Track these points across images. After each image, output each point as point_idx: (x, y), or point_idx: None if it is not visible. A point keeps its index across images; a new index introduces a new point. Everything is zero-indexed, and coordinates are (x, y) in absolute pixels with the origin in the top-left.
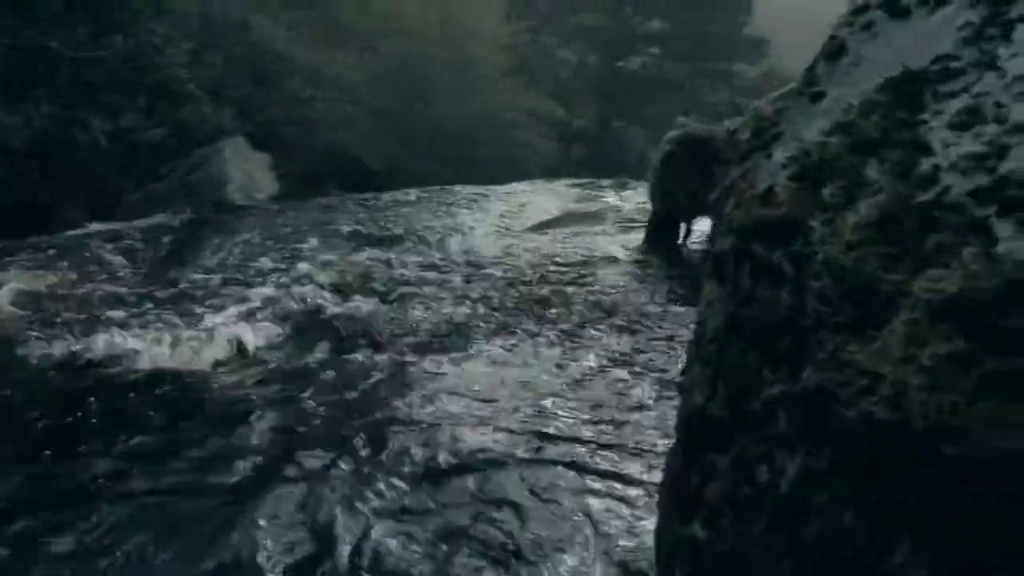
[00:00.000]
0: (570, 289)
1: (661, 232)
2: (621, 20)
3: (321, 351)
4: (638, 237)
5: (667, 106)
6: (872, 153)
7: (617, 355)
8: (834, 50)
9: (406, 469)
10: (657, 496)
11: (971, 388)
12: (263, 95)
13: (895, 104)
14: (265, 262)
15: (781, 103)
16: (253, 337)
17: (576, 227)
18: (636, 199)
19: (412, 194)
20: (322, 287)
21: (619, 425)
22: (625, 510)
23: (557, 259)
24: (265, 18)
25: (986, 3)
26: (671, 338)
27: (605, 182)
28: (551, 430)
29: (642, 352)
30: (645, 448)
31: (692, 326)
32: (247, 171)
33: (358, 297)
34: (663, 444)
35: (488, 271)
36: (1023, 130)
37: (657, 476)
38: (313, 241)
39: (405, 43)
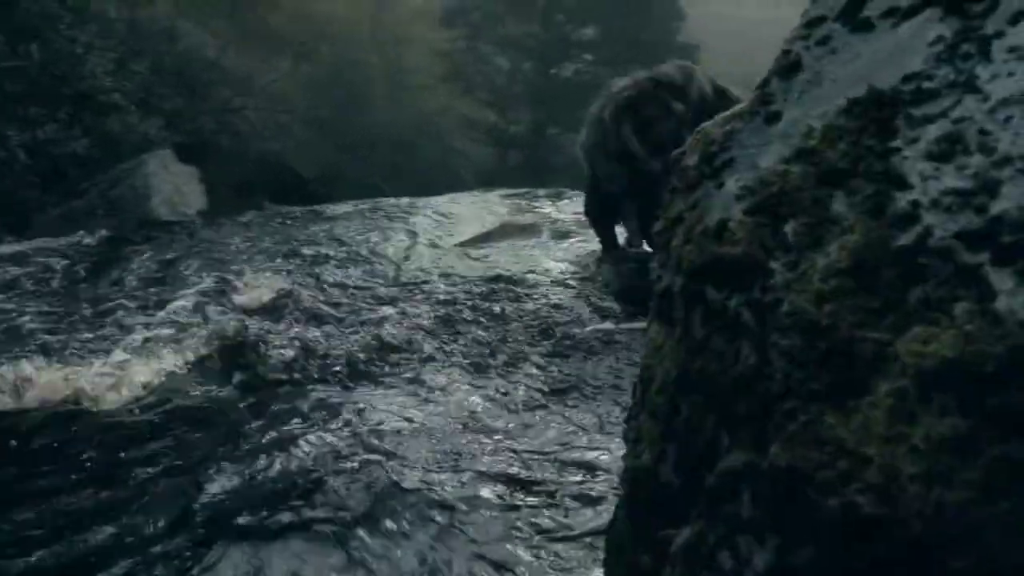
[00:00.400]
0: (508, 309)
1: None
2: (554, 27)
3: (241, 382)
4: (578, 249)
5: None
6: (839, 185)
7: (559, 383)
8: (788, 66)
9: (335, 515)
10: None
11: (978, 481)
12: (192, 104)
13: (863, 129)
14: (185, 283)
15: (731, 125)
16: (165, 368)
17: (512, 240)
18: (572, 209)
19: (344, 207)
20: (245, 310)
21: (564, 467)
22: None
23: (493, 276)
24: (194, 25)
25: (957, 16)
26: (616, 364)
27: (541, 191)
28: (490, 470)
29: (586, 382)
30: (591, 495)
31: (639, 361)
32: (174, 184)
33: (284, 321)
34: (608, 490)
35: (421, 290)
36: (1014, 162)
37: (604, 522)
38: (239, 259)
39: (338, 50)
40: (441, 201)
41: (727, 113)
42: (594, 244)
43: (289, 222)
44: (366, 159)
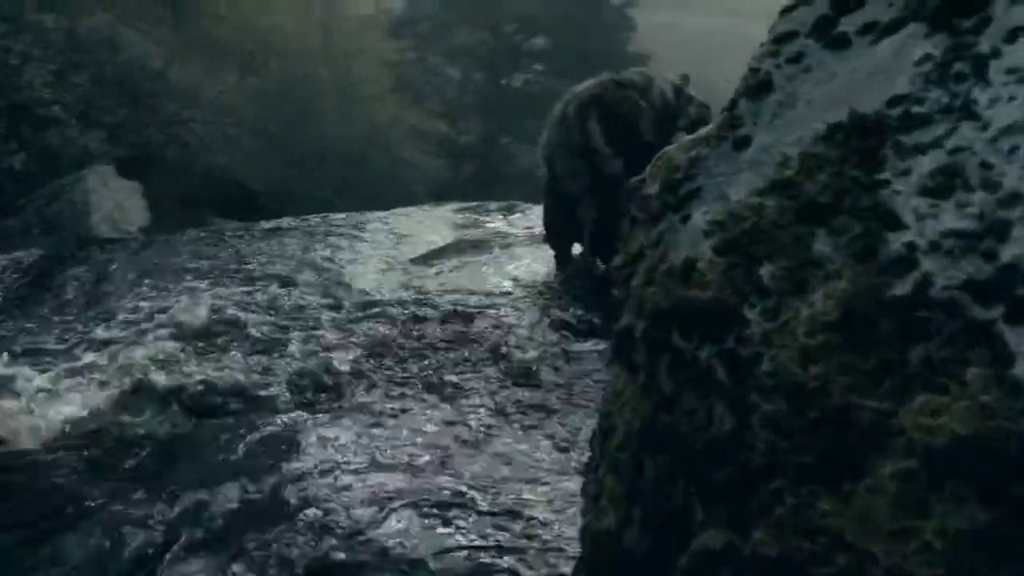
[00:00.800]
0: (459, 329)
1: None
2: (504, 37)
3: (180, 415)
4: (530, 266)
5: None
6: (822, 222)
7: (513, 409)
8: (757, 86)
9: (284, 558)
10: None
11: None
12: (136, 117)
13: (846, 159)
14: (120, 307)
15: (697, 150)
16: (91, 402)
17: (464, 257)
18: (524, 223)
19: (292, 222)
20: (186, 336)
21: (516, 507)
22: None
23: (446, 295)
24: (136, 35)
25: (946, 33)
26: (573, 388)
27: (493, 205)
28: (438, 511)
29: (542, 407)
30: (546, 542)
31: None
32: (114, 201)
33: (223, 346)
34: (563, 540)
35: (369, 311)
36: None
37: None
38: (180, 280)
39: (286, 61)
40: (391, 216)
41: (691, 137)
42: (546, 261)
43: (234, 239)
44: (315, 172)
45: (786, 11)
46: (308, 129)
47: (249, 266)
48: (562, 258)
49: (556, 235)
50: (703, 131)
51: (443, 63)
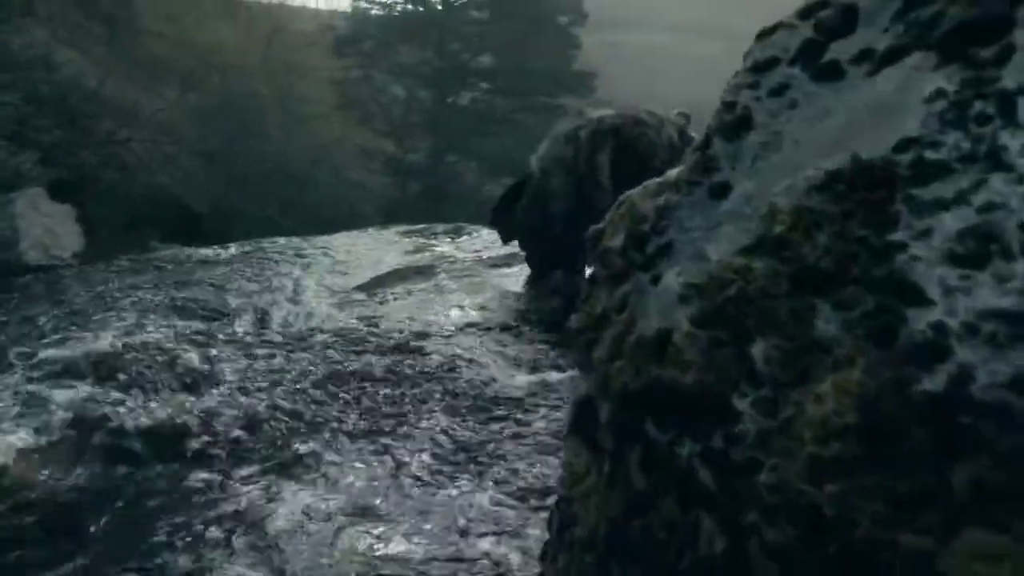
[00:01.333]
0: (407, 364)
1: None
2: (450, 56)
3: (99, 464)
4: (479, 292)
5: (498, 140)
6: (825, 293)
7: (464, 454)
8: (735, 123)
9: None
10: None
11: None
12: (72, 137)
13: (850, 214)
14: (42, 343)
15: (665, 197)
16: (8, 452)
17: (411, 283)
18: (472, 246)
19: (232, 249)
20: (108, 376)
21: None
22: None
23: (392, 326)
24: (73, 52)
25: (960, 64)
26: (531, 426)
27: (440, 227)
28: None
29: (496, 452)
30: None
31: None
32: (45, 226)
33: (153, 386)
34: None
35: (310, 345)
36: None
37: None
38: (111, 314)
39: (229, 79)
40: (335, 241)
41: (658, 180)
42: (498, 287)
43: (171, 267)
44: (260, 192)
45: (764, 35)
46: (252, 148)
47: (185, 296)
48: (535, 269)
49: (534, 244)
50: (671, 173)
51: (388, 81)
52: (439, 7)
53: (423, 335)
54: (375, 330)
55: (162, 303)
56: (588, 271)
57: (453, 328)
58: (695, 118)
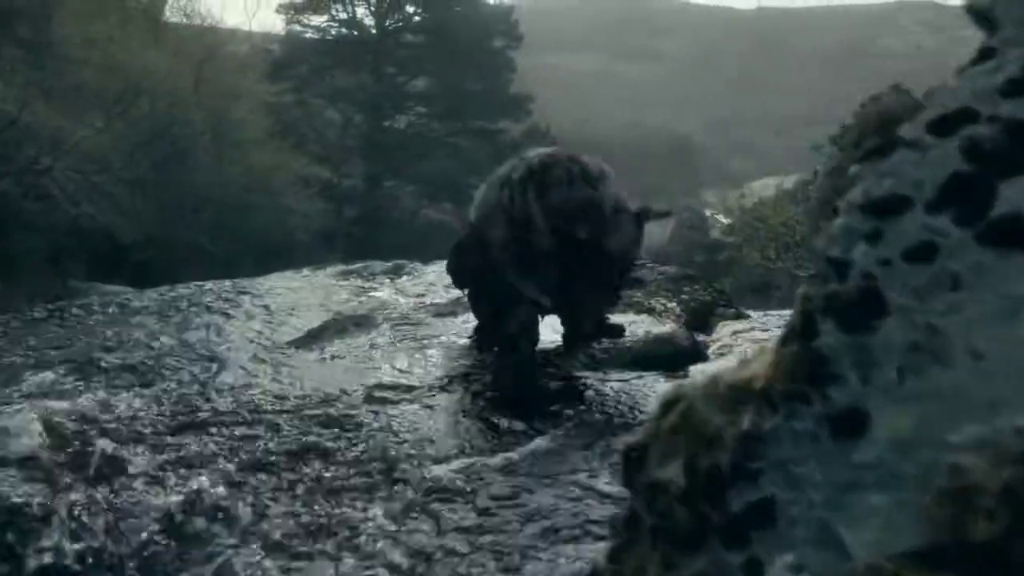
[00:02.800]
0: (341, 442)
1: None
2: (385, 79)
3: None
4: (425, 347)
5: (436, 163)
6: None
7: (405, 564)
8: (853, 299)
9: None
10: None
11: None
12: None
13: None
14: None
15: (751, 416)
16: None
17: (350, 337)
18: (414, 289)
19: (153, 295)
20: (18, 464)
21: None
22: None
23: (327, 390)
24: None
25: None
26: (491, 520)
27: (379, 266)
28: None
29: (447, 558)
30: None
31: None
32: None
33: (49, 478)
34: None
35: (233, 416)
36: None
37: None
38: (12, 381)
39: (158, 105)
40: (267, 284)
41: (731, 380)
42: (441, 339)
43: (82, 317)
44: (192, 220)
45: (873, 152)
46: (184, 175)
47: (101, 355)
48: (481, 317)
49: (475, 289)
50: (740, 374)
51: (323, 105)
52: (373, 31)
53: (362, 402)
54: (308, 396)
55: (72, 363)
56: (619, 516)
57: (395, 393)
58: (633, 137)
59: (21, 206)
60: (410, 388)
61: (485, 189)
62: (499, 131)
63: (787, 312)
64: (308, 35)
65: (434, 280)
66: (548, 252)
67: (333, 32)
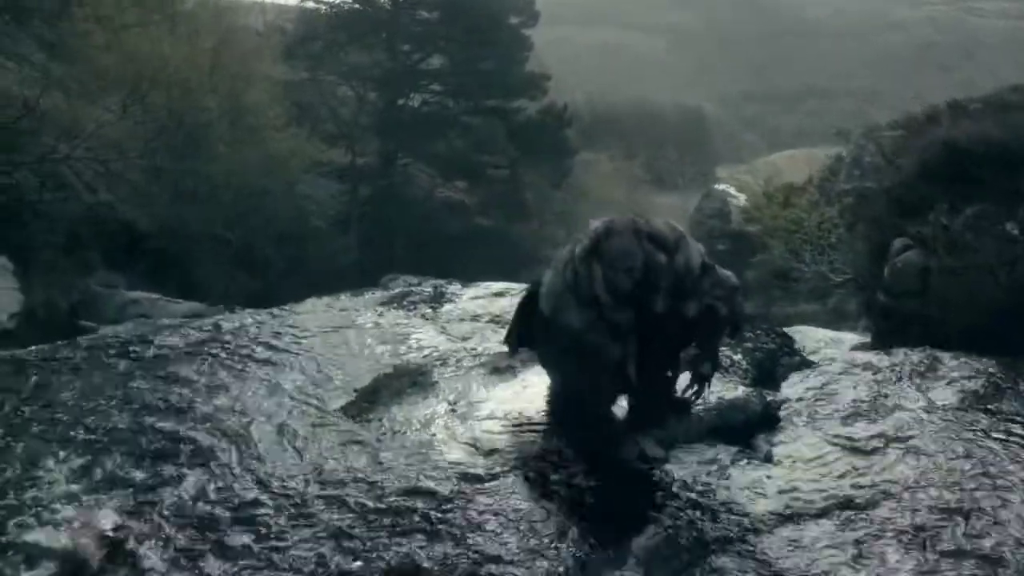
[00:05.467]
0: (418, 550)
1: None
2: (400, 57)
3: None
4: (490, 420)
5: (450, 142)
6: None
7: None
8: None
9: None
10: None
11: None
12: (6, 156)
13: None
14: None
15: None
16: None
17: (407, 404)
18: (459, 329)
19: (177, 341)
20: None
21: None
22: None
23: (396, 481)
24: (12, 63)
25: None
26: None
27: (417, 293)
28: None
29: None
30: None
31: None
32: None
33: None
34: None
35: (293, 517)
36: None
37: None
38: (36, 469)
39: (175, 91)
40: (306, 320)
41: None
42: (507, 409)
43: (106, 368)
44: (209, 207)
45: None
46: (201, 162)
47: (120, 426)
48: (567, 408)
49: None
50: None
51: (337, 84)
52: (387, 7)
53: (443, 494)
54: (373, 485)
55: (97, 442)
56: None
57: (469, 487)
58: (645, 113)
59: (39, 196)
60: (489, 476)
61: (551, 274)
62: (515, 110)
63: (845, 350)
64: (323, 10)
65: (476, 310)
66: (626, 327)
67: (347, 8)
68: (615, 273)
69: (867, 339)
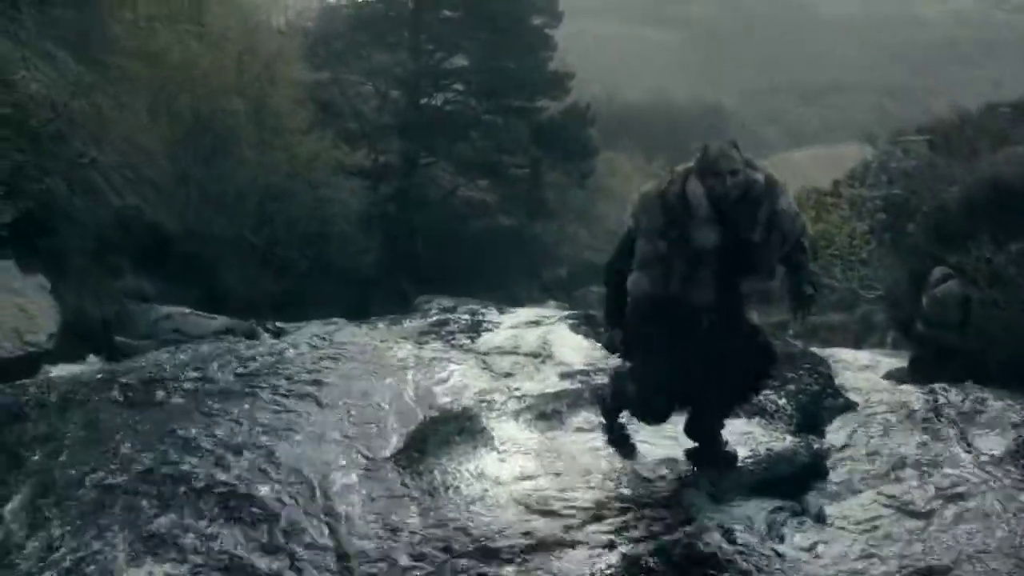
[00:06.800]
0: None
1: None
2: (423, 56)
3: None
4: (563, 474)
5: (472, 142)
6: None
7: None
8: None
9: None
10: None
11: None
12: (36, 161)
13: None
14: None
15: None
16: None
17: (457, 455)
18: (500, 365)
19: (231, 369)
20: None
21: None
22: None
23: (454, 538)
24: (42, 66)
25: None
26: None
27: (454, 321)
28: None
29: None
30: None
31: None
32: (18, 306)
33: None
34: None
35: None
36: None
37: None
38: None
39: (201, 94)
40: (346, 347)
41: None
42: (575, 459)
43: (151, 397)
44: (235, 210)
45: None
46: (227, 165)
47: (162, 473)
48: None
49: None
50: None
51: (360, 84)
52: (410, 5)
53: (489, 556)
54: (430, 544)
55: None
56: None
57: (524, 544)
58: (663, 107)
59: (70, 202)
60: (544, 539)
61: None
62: (538, 109)
63: (882, 382)
64: (345, 11)
65: (515, 342)
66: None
67: (369, 7)
68: (717, 180)
69: (899, 360)
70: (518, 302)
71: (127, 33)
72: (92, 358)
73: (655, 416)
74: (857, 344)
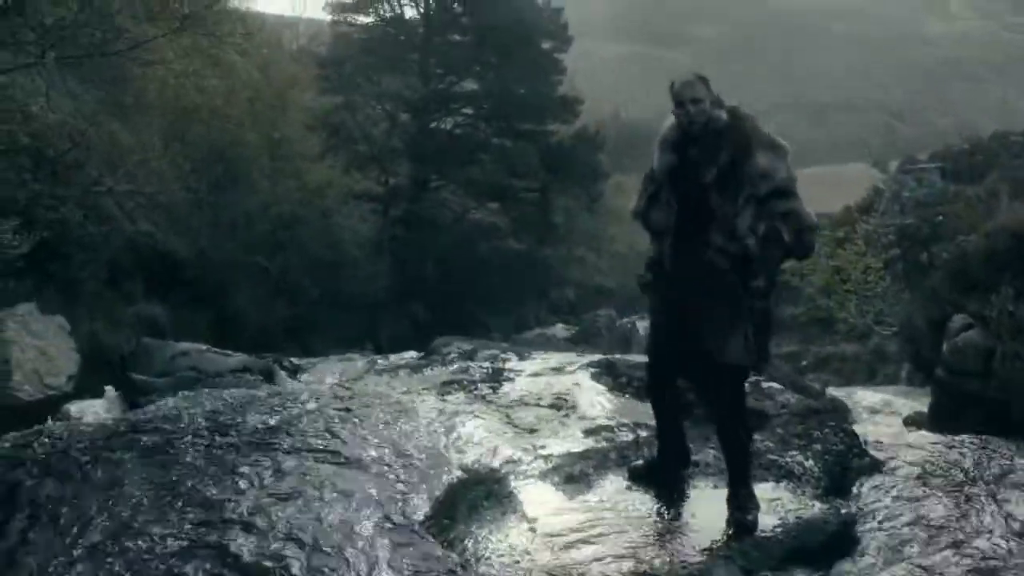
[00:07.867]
0: None
1: None
2: (433, 80)
3: None
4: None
5: (482, 166)
6: None
7: None
8: None
9: None
10: None
11: None
12: (52, 189)
13: None
14: None
15: None
16: None
17: (488, 522)
18: (525, 419)
19: (247, 413)
20: None
21: None
22: None
23: None
24: (60, 97)
25: None
26: None
27: (476, 369)
28: None
29: None
30: None
31: None
32: (38, 349)
33: None
34: None
35: None
36: None
37: None
38: None
39: (214, 123)
40: (366, 403)
41: None
42: (588, 517)
43: (169, 449)
44: (246, 237)
45: None
46: (238, 193)
47: (181, 542)
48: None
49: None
50: None
51: (371, 108)
52: (420, 30)
53: None
54: None
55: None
56: None
57: None
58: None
59: (84, 230)
60: None
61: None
62: (547, 133)
63: (903, 431)
64: (355, 35)
65: (537, 393)
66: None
67: (379, 31)
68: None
69: (915, 401)
70: (526, 324)
71: (142, 63)
72: (109, 391)
73: (657, 377)
74: (871, 375)
